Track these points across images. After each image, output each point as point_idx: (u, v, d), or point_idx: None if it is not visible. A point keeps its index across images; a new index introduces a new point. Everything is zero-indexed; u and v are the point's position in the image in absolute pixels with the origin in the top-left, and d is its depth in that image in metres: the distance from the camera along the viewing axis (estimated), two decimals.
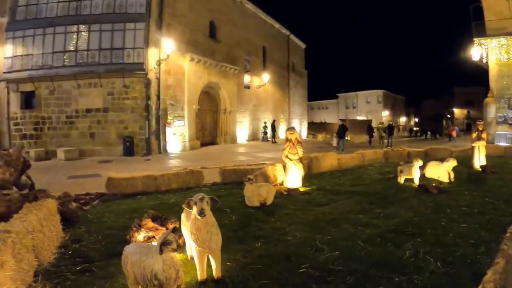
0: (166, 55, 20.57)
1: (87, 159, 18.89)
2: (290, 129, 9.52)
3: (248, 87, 31.35)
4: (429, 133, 47.82)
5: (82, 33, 20.14)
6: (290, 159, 9.14)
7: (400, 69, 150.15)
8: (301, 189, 8.91)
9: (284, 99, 39.47)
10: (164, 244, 3.02)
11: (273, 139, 29.77)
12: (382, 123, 33.42)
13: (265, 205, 7.15)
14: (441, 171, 9.61)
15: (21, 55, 20.36)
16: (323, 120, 69.08)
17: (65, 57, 20.16)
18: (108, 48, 20.12)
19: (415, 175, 9.28)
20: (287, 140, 9.24)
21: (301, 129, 44.07)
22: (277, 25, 37.00)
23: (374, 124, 38.71)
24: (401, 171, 9.48)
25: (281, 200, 7.87)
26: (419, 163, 9.31)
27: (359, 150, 15.15)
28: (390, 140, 25.94)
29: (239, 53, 29.61)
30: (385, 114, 68.48)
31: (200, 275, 3.81)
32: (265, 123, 32.15)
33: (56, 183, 12.32)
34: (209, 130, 27.19)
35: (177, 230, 3.42)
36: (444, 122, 58.90)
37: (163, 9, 21.22)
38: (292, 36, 40.98)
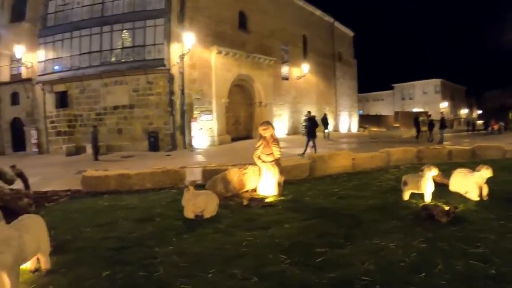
0: (188, 49, 20.10)
1: (113, 154, 19.35)
2: (264, 124, 7.85)
3: (286, 78, 29.98)
4: (501, 124, 36.19)
5: (106, 34, 20.72)
6: (264, 161, 7.61)
7: (460, 56, 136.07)
8: (270, 199, 7.29)
9: (330, 90, 37.41)
10: None
11: (327, 134, 26.77)
12: (427, 114, 29.77)
13: (202, 218, 5.91)
14: (469, 184, 6.48)
15: (53, 59, 21.65)
16: (378, 113, 65.24)
17: (91, 58, 20.82)
18: (130, 46, 20.49)
19: (426, 189, 6.34)
20: (260, 137, 7.70)
21: (351, 122, 41.64)
22: (318, 12, 35.12)
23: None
24: (405, 183, 6.57)
25: (227, 212, 6.37)
26: (432, 172, 6.31)
27: (400, 146, 12.95)
28: (436, 135, 22.52)
29: (273, 43, 28.35)
30: (444, 105, 62.77)
31: None
32: (306, 114, 30.46)
33: (63, 176, 12.83)
34: (244, 124, 26.38)
35: None
36: (511, 115, 52.13)
37: (185, 3, 20.90)
38: (337, 24, 38.81)
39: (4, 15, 24.42)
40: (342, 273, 3.66)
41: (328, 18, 37.27)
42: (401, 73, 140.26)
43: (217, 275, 3.80)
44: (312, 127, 16.96)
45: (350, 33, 42.99)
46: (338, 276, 3.60)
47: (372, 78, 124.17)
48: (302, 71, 31.33)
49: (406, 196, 6.57)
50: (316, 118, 28.52)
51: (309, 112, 20.40)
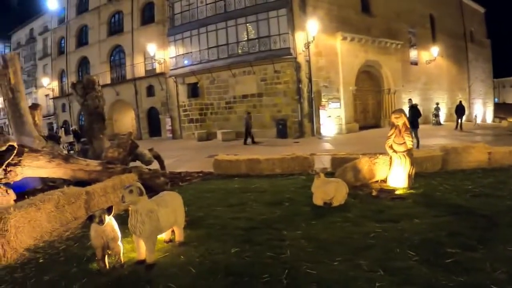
0: (312, 37, 19.58)
1: (242, 140, 19.59)
2: (396, 112, 7.39)
3: (415, 63, 27.56)
4: None
5: (231, 28, 21.39)
6: (395, 151, 7.13)
7: None
8: (400, 191, 6.76)
9: (462, 75, 33.43)
10: (89, 218, 3.71)
11: (459, 125, 22.60)
12: None
13: (330, 206, 5.79)
14: None
15: (183, 54, 23.16)
16: None
17: (219, 51, 21.66)
18: (255, 38, 20.81)
19: None
20: (393, 125, 7.22)
21: (486, 111, 36.86)
22: None
23: None
24: None
25: (355, 202, 6.10)
26: None
27: None
28: None
29: (400, 26, 26.16)
30: None
31: (137, 255, 3.93)
32: (437, 104, 27.58)
33: (195, 159, 13.79)
34: (372, 112, 24.92)
35: (111, 209, 3.79)
36: None
37: None
38: None
39: (134, 20, 27.14)
40: (471, 278, 3.35)
41: None
42: None
43: (342, 264, 3.72)
44: (414, 117, 14.98)
45: (480, 9, 38.14)
46: (466, 281, 3.31)
47: (510, 61, 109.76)
48: (431, 55, 28.43)
49: None
50: (440, 106, 25.84)
51: (410, 100, 18.10)
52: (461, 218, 5.13)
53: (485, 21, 39.19)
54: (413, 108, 15.67)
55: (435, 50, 28.51)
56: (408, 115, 14.03)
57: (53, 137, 9.82)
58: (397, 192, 6.77)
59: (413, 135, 13.50)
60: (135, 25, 27.10)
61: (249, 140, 18.19)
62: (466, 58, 34.03)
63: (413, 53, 27.36)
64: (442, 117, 27.66)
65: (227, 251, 4.08)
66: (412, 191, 6.85)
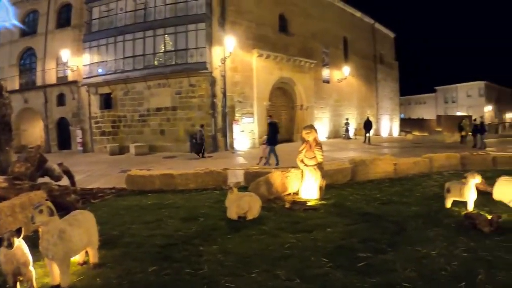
0: (229, 52, 20.16)
1: (156, 154, 19.75)
2: (307, 127, 7.80)
3: (327, 81, 29.38)
4: None
5: (149, 38, 21.17)
6: (306, 165, 7.50)
7: (506, 56, 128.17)
8: (312, 203, 7.13)
9: (372, 93, 36.37)
10: None
11: (368, 140, 24.78)
12: (473, 119, 27.88)
13: (245, 219, 5.93)
14: None
15: (97, 62, 22.32)
16: (420, 117, 62.95)
17: (135, 61, 21.33)
18: (172, 50, 20.82)
19: (469, 197, 6.04)
20: (304, 141, 7.61)
21: (392, 125, 40.30)
22: (358, 14, 34.24)
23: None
24: (448, 190, 6.33)
25: (270, 215, 6.32)
26: (476, 179, 6.02)
27: (443, 151, 12.36)
28: (479, 140, 20.64)
29: (315, 45, 27.85)
30: (488, 109, 59.72)
31: (51, 280, 3.68)
32: (347, 119, 29.75)
33: (107, 174, 13.27)
34: (285, 127, 25.95)
35: (20, 231, 3.51)
36: None
37: (226, 7, 21.06)
38: (377, 25, 37.69)
39: (50, 21, 25.40)
40: (383, 279, 3.64)
41: (368, 20, 36.27)
42: (444, 76, 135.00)
43: (261, 275, 3.82)
44: (273, 133, 14.23)
45: (391, 34, 41.71)
46: (379, 282, 3.59)
47: (414, 80, 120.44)
48: (343, 74, 30.61)
49: (448, 203, 6.38)
50: (349, 121, 27.78)
51: (270, 116, 16.44)
52: (371, 224, 5.56)
53: (394, 45, 42.84)
54: (272, 125, 14.69)
55: (346, 70, 30.69)
56: (267, 132, 14.47)
57: None
58: (309, 204, 7.08)
59: (272, 152, 13.85)
60: (50, 27, 25.23)
61: (200, 154, 17.67)
62: (375, 77, 37.03)
63: (326, 72, 29.13)
64: (352, 132, 29.79)
65: (145, 270, 4.00)
66: (324, 202, 7.23)
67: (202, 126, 18.59)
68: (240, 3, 21.89)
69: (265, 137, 15.21)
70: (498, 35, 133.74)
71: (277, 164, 13.26)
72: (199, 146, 17.76)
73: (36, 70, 25.98)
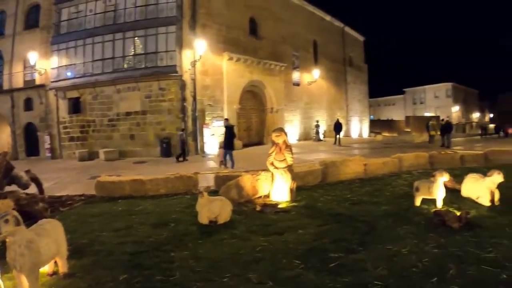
0: (199, 55, 20.21)
1: (126, 159, 19.50)
2: (277, 130, 7.90)
3: (297, 84, 29.90)
4: None
5: (118, 41, 20.91)
6: (276, 167, 7.59)
7: (472, 58, 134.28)
8: (283, 205, 7.22)
9: (341, 95, 37.25)
10: None
11: (338, 141, 25.43)
12: (440, 119, 29.05)
13: (216, 224, 5.94)
14: (481, 189, 6.49)
15: (66, 65, 21.86)
16: (389, 118, 64.74)
17: (104, 64, 21.02)
18: (142, 53, 20.65)
19: (438, 195, 6.28)
20: (273, 143, 7.69)
21: (362, 127, 41.33)
22: (328, 18, 35.00)
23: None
24: (417, 189, 6.51)
25: (241, 218, 6.33)
26: (444, 177, 6.24)
27: (412, 151, 12.62)
28: (446, 140, 21.60)
29: (285, 49, 28.31)
30: (455, 109, 62.10)
31: None
32: (317, 121, 30.39)
33: (77, 181, 13.02)
34: (256, 130, 26.34)
35: None
36: None
37: (196, 10, 21.03)
38: (347, 29, 38.65)
39: (18, 22, 24.76)
40: (356, 278, 3.70)
41: (338, 24, 37.14)
42: (412, 78, 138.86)
43: (233, 280, 3.82)
44: (229, 138, 14.23)
45: (360, 38, 42.82)
46: (352, 281, 3.65)
47: (384, 82, 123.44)
48: (313, 77, 31.22)
49: (418, 202, 6.55)
50: (319, 123, 28.41)
51: (226, 119, 16.83)
52: (343, 225, 5.62)
53: (364, 48, 44.01)
54: (228, 128, 14.73)
55: (316, 73, 31.29)
56: (224, 136, 14.27)
57: None
58: (280, 206, 7.09)
59: (228, 157, 13.95)
60: (18, 29, 24.58)
61: (181, 158, 17.68)
62: (345, 80, 37.94)
63: (296, 75, 29.66)
64: (322, 134, 30.42)
65: (116, 278, 3.92)
66: (295, 204, 7.25)
67: (183, 130, 18.77)
68: (211, 6, 21.95)
69: (221, 140, 15.28)
70: (465, 36, 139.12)
71: (232, 167, 13.39)
72: (181, 150, 17.90)
73: (2, 73, 25.20)
